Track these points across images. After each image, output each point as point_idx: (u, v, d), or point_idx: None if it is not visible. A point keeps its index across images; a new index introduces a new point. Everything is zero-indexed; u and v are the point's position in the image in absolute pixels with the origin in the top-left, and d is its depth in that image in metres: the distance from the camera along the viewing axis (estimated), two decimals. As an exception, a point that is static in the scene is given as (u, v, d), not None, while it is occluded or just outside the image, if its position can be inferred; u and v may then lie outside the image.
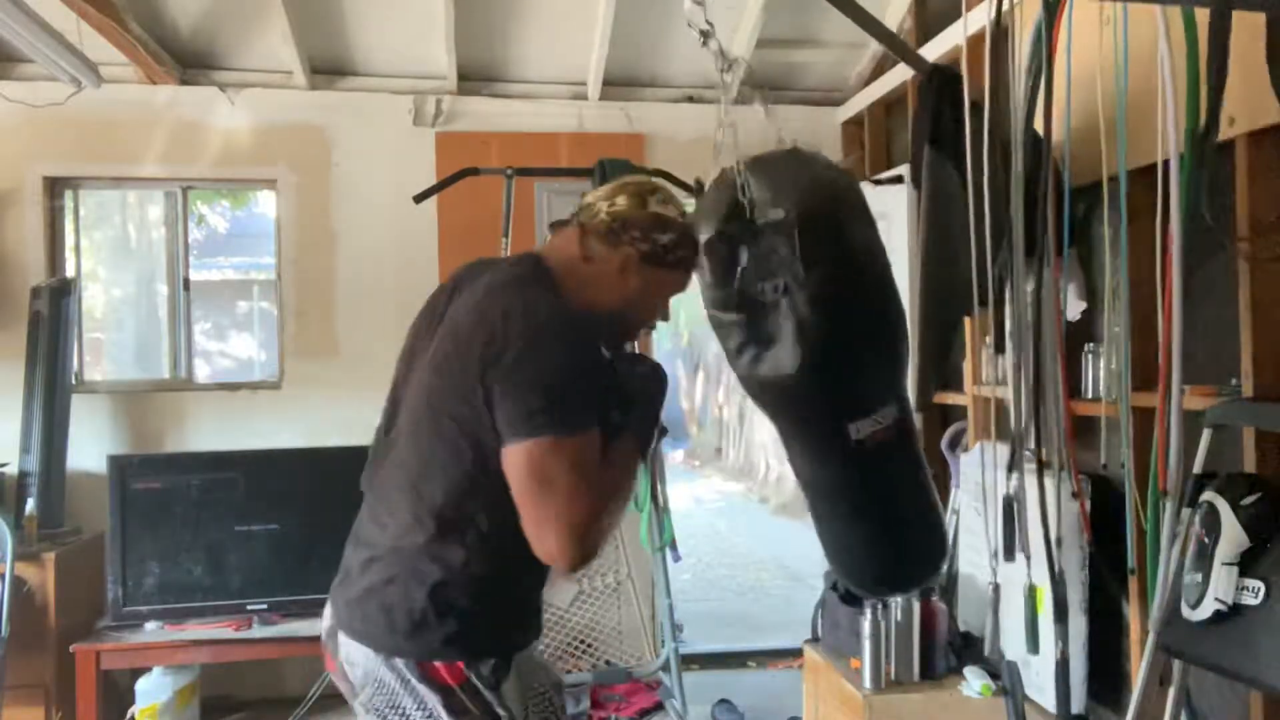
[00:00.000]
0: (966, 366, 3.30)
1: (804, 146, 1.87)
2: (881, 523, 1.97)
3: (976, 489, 2.99)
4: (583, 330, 1.50)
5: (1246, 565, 1.77)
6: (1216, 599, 1.78)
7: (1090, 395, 2.61)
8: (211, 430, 4.07)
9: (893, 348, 1.92)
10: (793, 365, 1.76)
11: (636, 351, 1.74)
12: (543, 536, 1.42)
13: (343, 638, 1.56)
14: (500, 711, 1.50)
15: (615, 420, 1.51)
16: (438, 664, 1.47)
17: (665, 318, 1.71)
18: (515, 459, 1.41)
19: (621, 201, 1.60)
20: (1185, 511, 1.95)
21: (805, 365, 1.76)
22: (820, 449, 1.93)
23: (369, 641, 1.51)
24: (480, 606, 1.50)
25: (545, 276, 1.57)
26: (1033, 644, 2.30)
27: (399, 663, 1.48)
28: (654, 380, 1.60)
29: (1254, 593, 1.75)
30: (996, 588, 2.42)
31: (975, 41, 2.75)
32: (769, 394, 1.90)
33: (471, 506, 1.48)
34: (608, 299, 1.60)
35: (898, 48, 2.69)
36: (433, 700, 1.47)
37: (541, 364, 1.43)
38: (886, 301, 1.89)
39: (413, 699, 1.48)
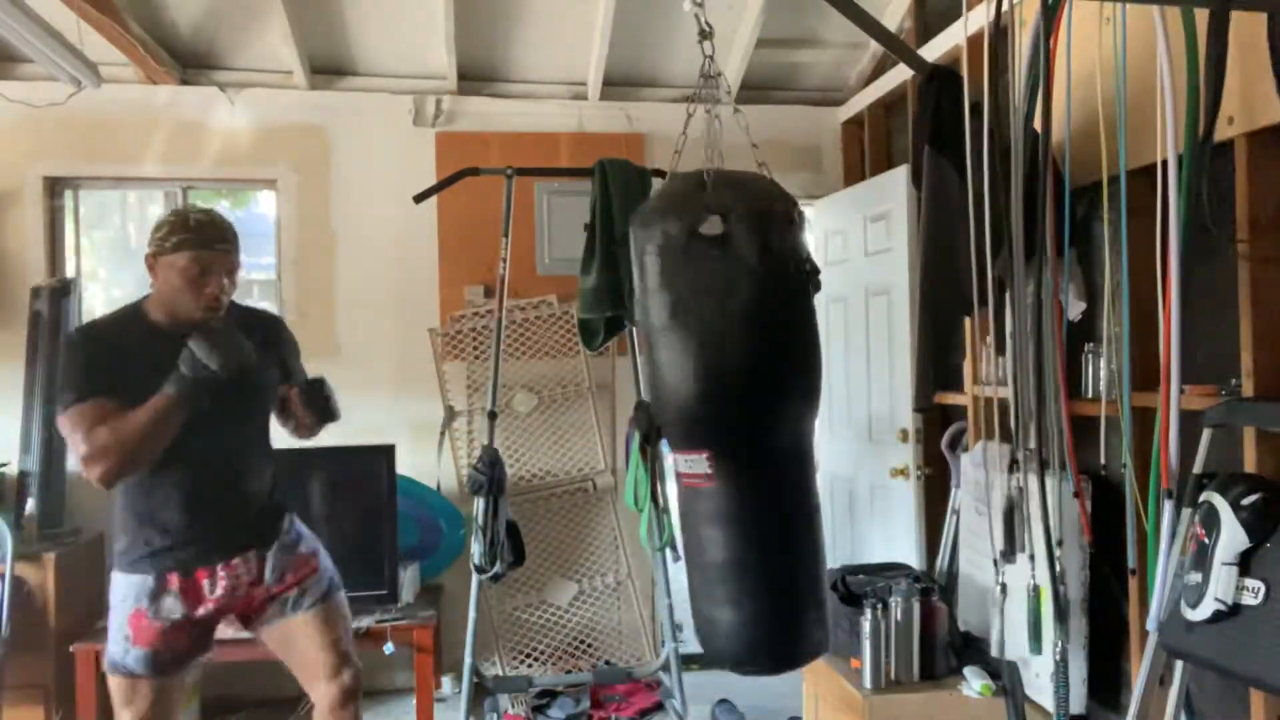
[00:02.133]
0: (966, 366, 3.30)
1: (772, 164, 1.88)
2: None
3: (977, 489, 2.99)
4: (102, 331, 2.20)
5: (1246, 565, 1.78)
6: (1216, 599, 1.78)
7: (1090, 395, 2.61)
8: (211, 430, 4.06)
9: (730, 398, 1.82)
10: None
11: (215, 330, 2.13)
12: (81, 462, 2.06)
13: None
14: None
15: (171, 379, 2.05)
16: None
17: (207, 292, 2.13)
18: (60, 424, 2.10)
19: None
20: (1185, 511, 1.95)
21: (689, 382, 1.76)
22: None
23: None
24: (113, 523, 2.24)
25: (130, 306, 2.22)
26: (1036, 644, 2.30)
27: None
28: (199, 346, 2.04)
29: (1254, 593, 1.75)
30: (1004, 588, 2.42)
31: (975, 41, 2.75)
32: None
33: None
34: (161, 298, 2.16)
35: (897, 48, 2.69)
36: None
37: (59, 363, 2.14)
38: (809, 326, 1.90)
39: None
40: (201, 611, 2.23)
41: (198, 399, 2.06)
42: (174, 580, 2.19)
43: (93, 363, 2.09)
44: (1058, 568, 2.25)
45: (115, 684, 2.20)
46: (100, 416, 2.03)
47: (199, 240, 2.12)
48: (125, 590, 2.19)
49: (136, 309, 2.21)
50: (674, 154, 1.86)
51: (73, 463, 3.81)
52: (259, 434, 2.36)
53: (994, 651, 2.61)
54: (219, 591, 2.24)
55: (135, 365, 2.08)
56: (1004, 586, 2.50)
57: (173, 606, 2.18)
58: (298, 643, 2.34)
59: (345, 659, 2.34)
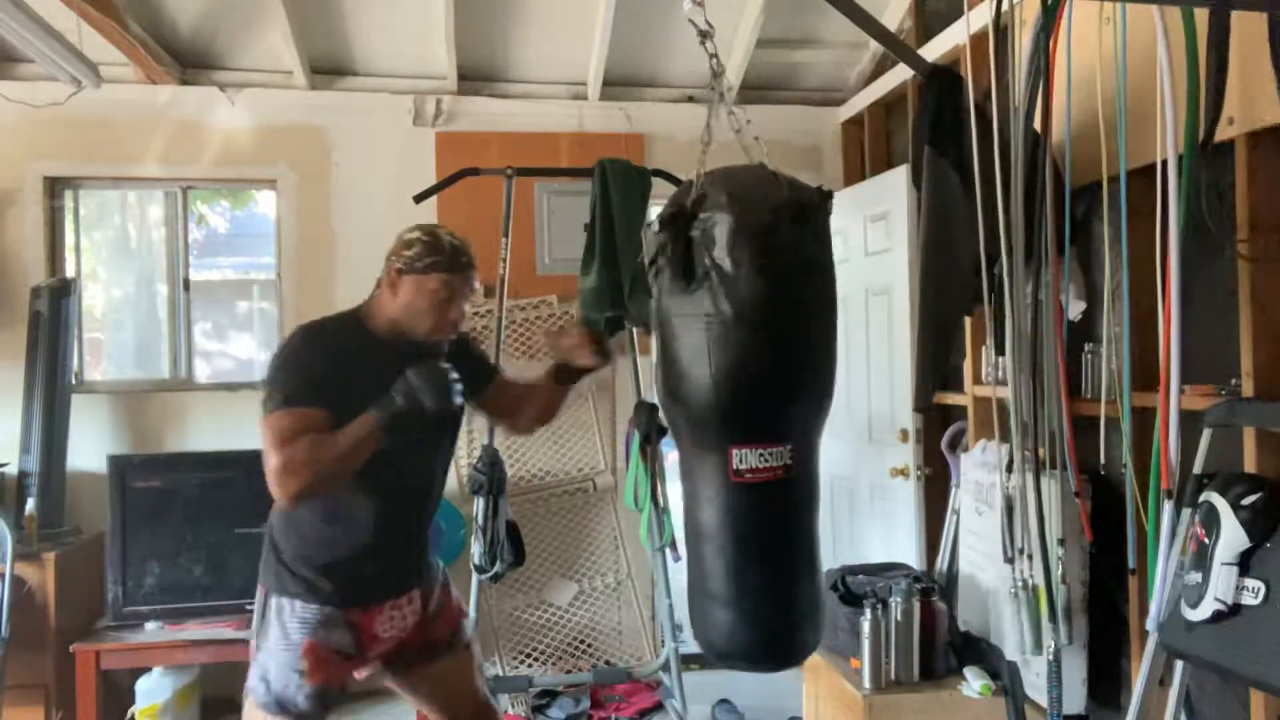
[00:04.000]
0: (966, 366, 3.30)
1: (771, 166, 1.79)
2: (737, 577, 1.72)
3: (977, 489, 2.99)
4: (322, 337, 2.07)
5: (1246, 565, 1.78)
6: (1216, 599, 1.78)
7: (1090, 395, 2.61)
8: (211, 430, 4.07)
9: (798, 379, 1.71)
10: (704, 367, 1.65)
11: (436, 358, 2.06)
12: (269, 475, 1.91)
13: None
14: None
15: (380, 404, 1.95)
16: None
17: (449, 318, 2.09)
18: (261, 426, 1.96)
19: (393, 245, 2.10)
20: (1185, 511, 1.95)
21: (714, 371, 1.64)
22: (703, 476, 1.73)
23: None
24: (277, 549, 2.10)
25: (348, 313, 2.15)
26: (1036, 644, 2.30)
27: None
28: (418, 380, 1.95)
29: (1254, 593, 1.75)
30: (1026, 584, 2.40)
31: (975, 41, 2.75)
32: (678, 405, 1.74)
33: None
34: (392, 313, 2.08)
35: (897, 48, 2.69)
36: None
37: (270, 362, 2.06)
38: (807, 328, 1.73)
39: None
40: (372, 652, 2.12)
41: (400, 429, 1.95)
42: (354, 614, 2.06)
43: (308, 367, 1.99)
44: (1058, 568, 2.25)
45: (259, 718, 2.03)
46: (302, 428, 1.90)
47: (451, 264, 2.06)
48: (298, 620, 2.03)
49: (355, 316, 2.12)
50: (700, 155, 1.78)
51: (73, 462, 3.82)
52: (443, 470, 2.27)
53: (1008, 653, 2.60)
54: (391, 632, 2.13)
55: (352, 374, 1.99)
56: (1025, 583, 2.47)
57: (345, 641, 2.05)
58: (450, 686, 2.25)
59: (490, 704, 2.31)
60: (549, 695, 3.86)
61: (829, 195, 1.76)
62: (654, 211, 3.86)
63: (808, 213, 1.71)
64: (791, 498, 1.74)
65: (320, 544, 2.05)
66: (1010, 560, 2.34)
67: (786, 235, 1.66)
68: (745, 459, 1.67)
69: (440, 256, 2.05)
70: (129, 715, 3.52)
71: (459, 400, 2.03)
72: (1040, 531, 2.15)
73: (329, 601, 2.03)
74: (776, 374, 1.68)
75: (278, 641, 2.03)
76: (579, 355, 2.32)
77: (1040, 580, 2.32)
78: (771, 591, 1.73)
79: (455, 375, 2.00)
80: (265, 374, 2.04)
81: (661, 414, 3.63)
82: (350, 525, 2.06)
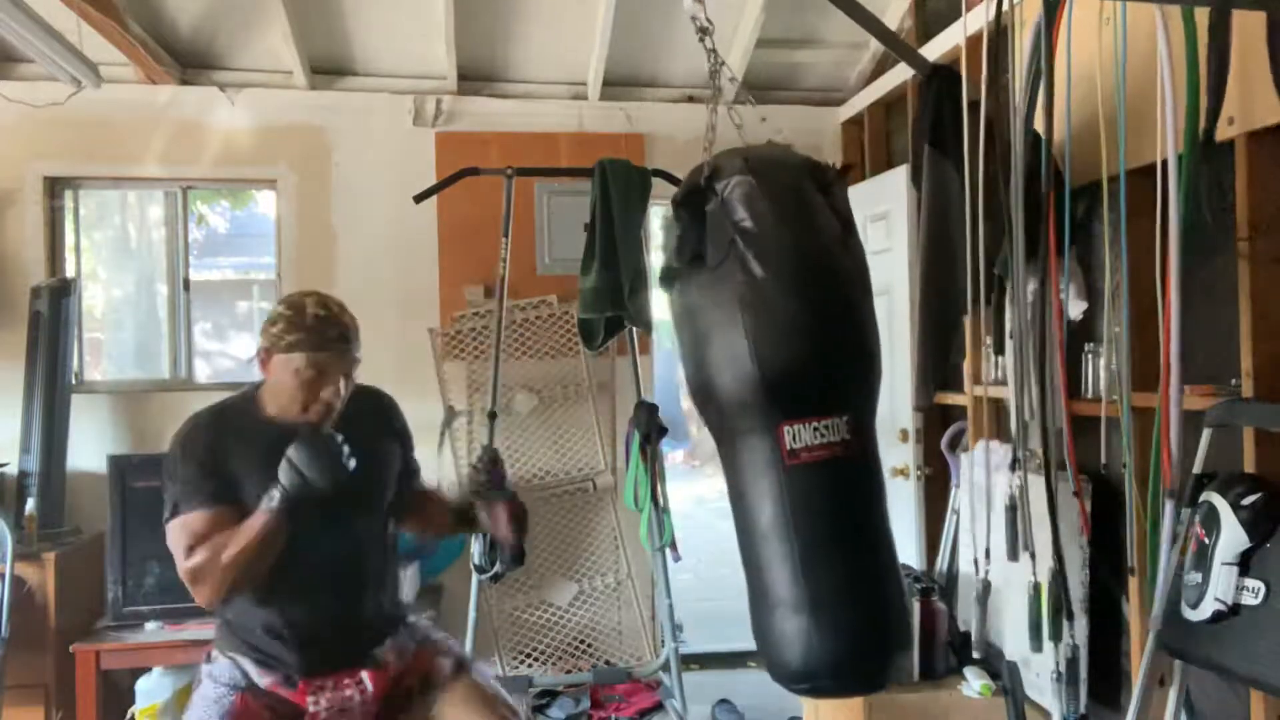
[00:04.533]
0: (966, 366, 3.30)
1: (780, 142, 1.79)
2: (805, 570, 1.51)
3: (976, 489, 2.99)
4: (212, 427, 2.03)
5: (1246, 565, 1.78)
6: (1216, 599, 1.78)
7: (1090, 395, 2.61)
8: (211, 430, 4.06)
9: (842, 339, 1.62)
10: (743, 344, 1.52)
11: (320, 428, 1.99)
12: (185, 579, 1.95)
13: None
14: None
15: (269, 492, 1.90)
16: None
17: (320, 398, 1.99)
18: (168, 533, 2.00)
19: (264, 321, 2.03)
20: (1185, 511, 1.95)
21: (754, 344, 1.50)
22: (749, 466, 1.57)
23: None
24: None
25: (243, 395, 2.11)
26: (1037, 643, 2.30)
27: None
28: (300, 455, 1.88)
29: (1254, 593, 1.75)
30: (987, 585, 2.43)
31: (975, 41, 2.75)
32: (718, 390, 1.60)
33: None
34: (272, 395, 2.03)
35: (898, 48, 2.69)
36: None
37: (163, 463, 2.06)
38: (845, 285, 1.65)
39: None
40: (307, 716, 2.04)
41: (302, 511, 1.89)
42: (276, 684, 2.02)
43: (195, 465, 1.96)
44: (1056, 567, 2.25)
45: None
46: (202, 532, 1.90)
47: (317, 342, 1.96)
48: (221, 674, 2.03)
49: (249, 399, 2.07)
50: (704, 149, 1.75)
51: (73, 462, 3.82)
52: (376, 535, 2.15)
53: (975, 652, 2.61)
54: (323, 704, 2.04)
55: (246, 462, 1.96)
56: (987, 584, 2.47)
57: (276, 701, 2.01)
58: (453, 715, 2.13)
59: None
60: (549, 695, 3.86)
61: (846, 169, 1.73)
62: (655, 212, 3.88)
63: (828, 179, 1.65)
64: (855, 479, 1.56)
65: (244, 615, 2.03)
66: (977, 560, 2.35)
67: (809, 192, 1.57)
68: (799, 436, 1.49)
69: (302, 334, 1.96)
70: (129, 715, 3.52)
71: (360, 467, 1.94)
72: (1054, 530, 2.14)
73: (263, 661, 2.02)
74: (819, 335, 1.52)
75: (205, 700, 2.01)
76: (495, 525, 2.22)
77: (1040, 579, 2.32)
78: (851, 592, 1.51)
79: (341, 441, 1.92)
80: (162, 477, 2.02)
81: (662, 414, 3.65)
82: (272, 609, 2.01)
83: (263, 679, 2.02)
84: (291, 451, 1.87)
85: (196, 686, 2.08)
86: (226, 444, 1.99)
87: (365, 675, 2.08)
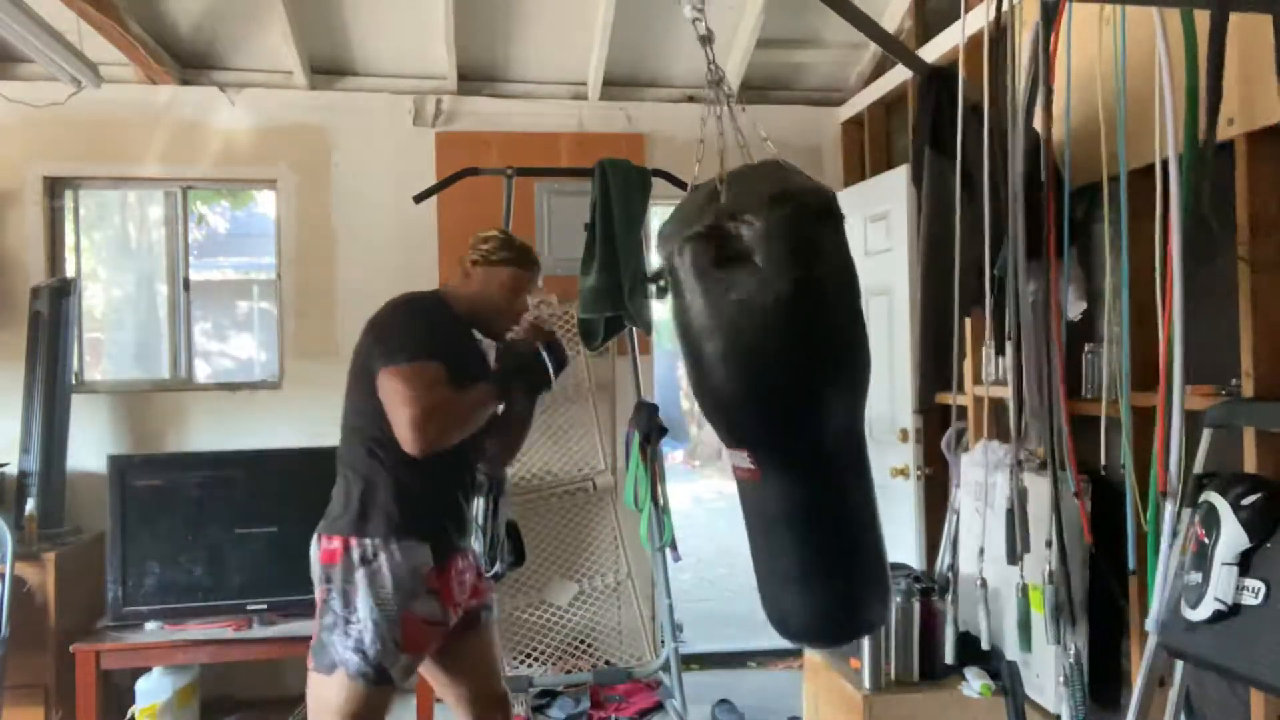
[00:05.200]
0: (966, 366, 3.30)
1: (783, 160, 1.80)
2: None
3: (977, 489, 2.99)
4: (428, 307, 2.24)
5: (1246, 565, 1.78)
6: (1216, 599, 1.78)
7: (1090, 395, 2.61)
8: (211, 430, 4.07)
9: (853, 375, 1.78)
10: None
11: (538, 341, 2.32)
12: (398, 431, 2.03)
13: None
14: (354, 588, 2.08)
15: (487, 380, 2.20)
16: (325, 536, 2.13)
17: (515, 309, 2.33)
18: (380, 384, 2.09)
19: (470, 243, 2.35)
20: (1185, 511, 1.95)
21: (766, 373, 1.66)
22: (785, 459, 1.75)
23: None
24: (377, 498, 2.12)
25: (433, 293, 2.34)
26: (1025, 642, 2.30)
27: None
28: (525, 358, 2.27)
29: (1254, 593, 1.75)
30: (984, 583, 2.48)
31: (974, 42, 2.75)
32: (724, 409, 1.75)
33: (377, 437, 2.13)
34: (470, 299, 2.30)
35: (896, 49, 2.70)
36: (317, 570, 2.15)
37: (384, 323, 2.18)
38: (854, 323, 1.82)
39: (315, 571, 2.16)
40: (454, 617, 2.21)
41: (509, 402, 2.25)
42: (432, 568, 2.12)
43: (427, 328, 2.15)
44: (1055, 568, 2.25)
45: (351, 691, 2.04)
46: (436, 380, 2.05)
47: (520, 259, 2.33)
48: (395, 571, 2.07)
49: (440, 299, 2.30)
50: (695, 161, 1.80)
51: (73, 462, 3.82)
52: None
53: (984, 645, 2.62)
54: (463, 596, 2.24)
55: (449, 343, 2.18)
56: (984, 581, 2.51)
57: (433, 609, 2.13)
58: (482, 652, 2.36)
59: (508, 694, 2.42)
60: (549, 695, 3.86)
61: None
62: (655, 212, 3.87)
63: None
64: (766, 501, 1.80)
65: (413, 490, 2.13)
66: (981, 551, 2.35)
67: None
68: (734, 458, 1.79)
69: (511, 252, 2.32)
70: (129, 715, 3.52)
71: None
72: (1058, 530, 2.14)
73: (424, 537, 2.11)
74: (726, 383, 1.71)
75: (369, 607, 2.04)
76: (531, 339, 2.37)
77: (1035, 580, 2.32)
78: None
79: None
80: (378, 332, 2.15)
81: (662, 414, 3.65)
82: (434, 478, 2.16)
83: (423, 564, 2.11)
84: (546, 352, 2.26)
85: (347, 599, 2.07)
86: (442, 324, 2.22)
87: (471, 557, 2.32)
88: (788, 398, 1.69)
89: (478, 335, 2.37)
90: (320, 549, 2.13)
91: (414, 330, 2.13)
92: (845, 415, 1.77)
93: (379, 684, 2.05)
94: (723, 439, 1.81)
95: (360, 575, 2.06)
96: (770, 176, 1.72)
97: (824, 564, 1.77)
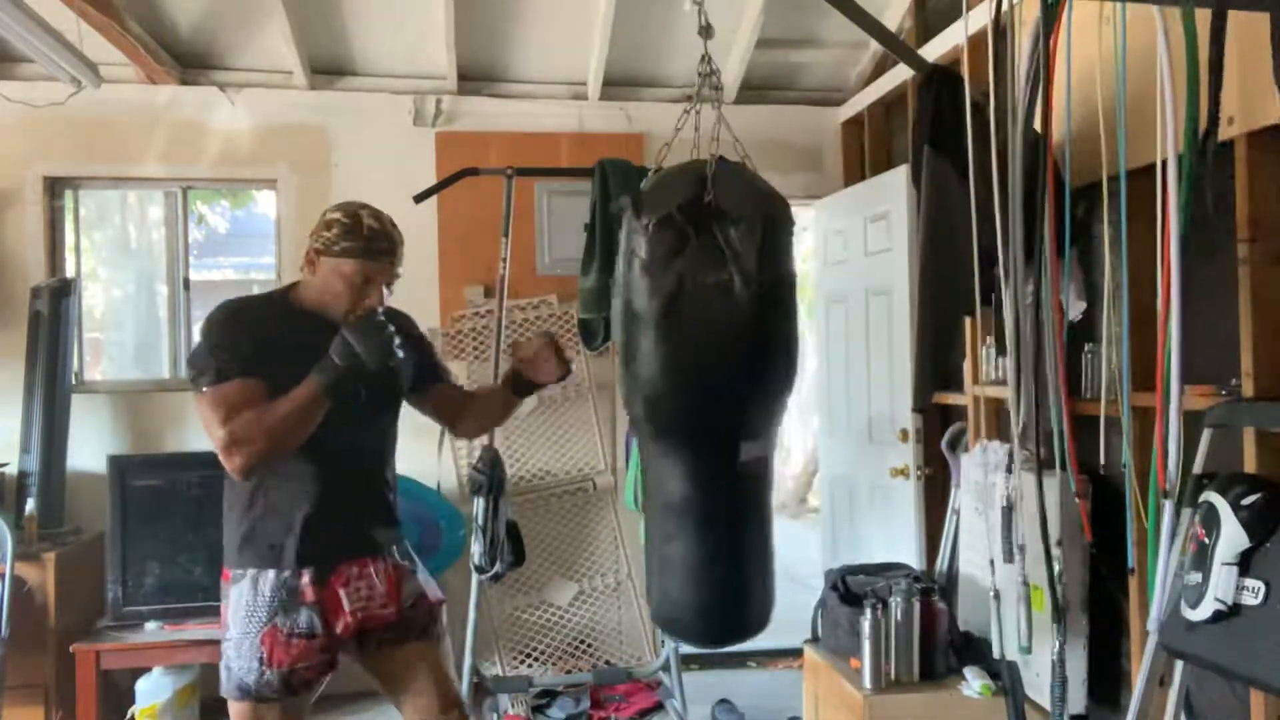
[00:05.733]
0: (966, 366, 3.30)
1: (742, 160, 1.80)
2: (736, 556, 1.75)
3: (977, 489, 2.99)
4: (249, 315, 2.09)
5: (1246, 565, 1.78)
6: (1216, 599, 1.78)
7: (1090, 395, 2.61)
8: (211, 430, 4.06)
9: (789, 379, 1.78)
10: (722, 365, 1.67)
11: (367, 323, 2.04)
12: (218, 447, 1.99)
13: None
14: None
15: (321, 366, 1.97)
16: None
17: (365, 303, 2.07)
18: (199, 403, 2.02)
19: (317, 222, 2.11)
20: (1185, 511, 1.95)
21: (733, 368, 1.66)
22: (706, 467, 1.73)
23: None
24: (234, 525, 2.11)
25: (270, 293, 2.21)
26: (1027, 643, 2.30)
27: None
28: (356, 336, 1.97)
29: (1254, 593, 1.75)
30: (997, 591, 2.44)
31: (975, 41, 2.75)
32: (667, 397, 1.71)
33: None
34: (313, 292, 2.10)
35: (897, 48, 2.70)
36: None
37: (194, 346, 2.09)
38: (794, 329, 1.80)
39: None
40: (338, 627, 2.07)
41: (343, 390, 1.98)
42: (313, 583, 2.04)
43: (236, 341, 2.01)
44: (1057, 567, 2.25)
45: (238, 710, 2.05)
46: (243, 400, 1.95)
47: (367, 249, 2.06)
48: (256, 598, 2.03)
49: (283, 295, 2.16)
50: (663, 146, 1.82)
51: (73, 462, 3.82)
52: (390, 432, 2.26)
53: (995, 652, 2.61)
54: (357, 603, 2.09)
55: (279, 347, 2.02)
56: (996, 592, 2.53)
57: (308, 621, 2.03)
58: (418, 671, 2.18)
59: (459, 699, 2.23)
60: (549, 695, 3.86)
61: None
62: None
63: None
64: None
65: (270, 510, 2.06)
66: (993, 561, 2.35)
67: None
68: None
69: (357, 241, 2.05)
70: (129, 715, 3.52)
71: (399, 355, 2.04)
72: (1043, 530, 2.14)
73: (286, 565, 2.03)
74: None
75: (235, 629, 2.04)
76: (538, 369, 2.28)
77: (1036, 580, 2.32)
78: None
79: (392, 330, 2.01)
80: (192, 353, 2.06)
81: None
82: (296, 492, 2.06)
83: (291, 578, 2.04)
84: (346, 331, 1.97)
85: (225, 623, 2.09)
86: (262, 326, 2.06)
87: (381, 565, 2.15)
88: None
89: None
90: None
91: (216, 348, 2.00)
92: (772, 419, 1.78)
93: (257, 701, 2.03)
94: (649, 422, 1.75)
95: (230, 593, 2.07)
96: (746, 177, 1.74)
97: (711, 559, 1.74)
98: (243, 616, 2.04)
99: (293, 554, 2.04)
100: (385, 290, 2.11)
